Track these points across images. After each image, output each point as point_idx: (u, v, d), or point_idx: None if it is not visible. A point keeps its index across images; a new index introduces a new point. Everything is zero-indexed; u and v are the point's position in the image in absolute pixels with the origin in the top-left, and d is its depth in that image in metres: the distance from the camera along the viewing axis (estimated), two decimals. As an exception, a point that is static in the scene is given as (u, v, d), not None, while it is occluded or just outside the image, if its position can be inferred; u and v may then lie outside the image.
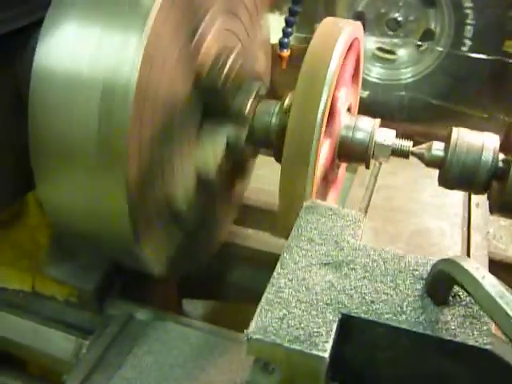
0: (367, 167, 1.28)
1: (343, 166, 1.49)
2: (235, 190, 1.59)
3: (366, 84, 3.58)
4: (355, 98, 1.44)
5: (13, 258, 1.58)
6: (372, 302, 0.78)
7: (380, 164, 1.90)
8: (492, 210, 1.21)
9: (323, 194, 1.39)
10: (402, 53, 3.85)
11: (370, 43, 3.72)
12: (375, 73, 3.78)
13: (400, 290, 0.79)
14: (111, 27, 1.01)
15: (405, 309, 0.76)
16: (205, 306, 2.21)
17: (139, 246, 1.16)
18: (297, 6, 2.11)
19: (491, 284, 0.67)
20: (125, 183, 1.03)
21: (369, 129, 1.23)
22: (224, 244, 1.80)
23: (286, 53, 2.11)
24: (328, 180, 1.34)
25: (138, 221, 1.12)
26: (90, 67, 1.01)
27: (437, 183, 1.23)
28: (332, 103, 1.15)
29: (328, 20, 1.18)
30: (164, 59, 1.06)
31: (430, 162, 1.22)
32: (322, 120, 1.05)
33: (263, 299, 0.79)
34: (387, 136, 1.25)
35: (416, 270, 0.82)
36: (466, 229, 1.60)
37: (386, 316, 0.76)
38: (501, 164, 1.16)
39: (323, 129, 1.06)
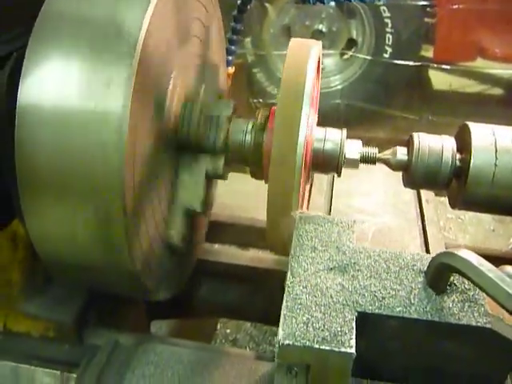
0: (339, 175, 1.37)
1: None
2: (208, 206, 1.63)
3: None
4: (316, 110, 1.52)
5: (-17, 298, 1.52)
6: (383, 298, 0.85)
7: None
8: (453, 205, 1.33)
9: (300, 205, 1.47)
10: (329, 62, 4.03)
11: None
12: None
13: (405, 285, 0.88)
14: (97, 60, 1.02)
15: (413, 301, 0.85)
16: (167, 324, 2.22)
17: (135, 267, 1.18)
18: (239, 25, 2.19)
19: (490, 270, 0.76)
20: (118, 212, 1.05)
21: (338, 140, 1.32)
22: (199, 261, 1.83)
23: (231, 70, 2.18)
24: (303, 190, 1.41)
25: (135, 249, 1.13)
26: (78, 103, 1.02)
27: (386, 184, 1.34)
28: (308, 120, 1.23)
29: (296, 41, 1.26)
30: (149, 97, 1.10)
31: (396, 166, 1.33)
32: (305, 138, 1.13)
33: (283, 307, 0.85)
34: (355, 145, 1.34)
35: (414, 264, 0.91)
36: (420, 224, 1.74)
37: (398, 309, 0.84)
38: (458, 163, 1.29)
39: (305, 147, 1.13)
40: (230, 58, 2.21)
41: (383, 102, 3.60)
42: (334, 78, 4.02)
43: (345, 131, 1.35)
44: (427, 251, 1.65)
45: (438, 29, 3.71)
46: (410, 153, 1.30)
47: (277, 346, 0.79)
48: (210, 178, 1.41)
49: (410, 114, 3.39)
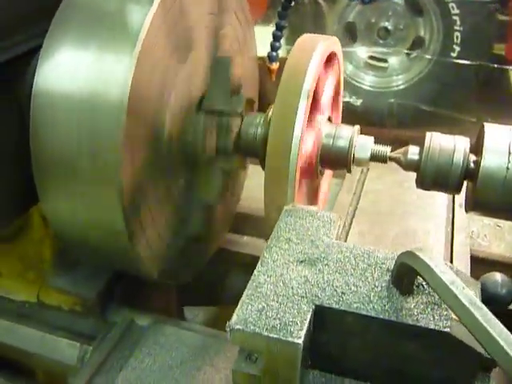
0: (349, 171, 1.36)
1: (329, 172, 1.56)
2: (230, 200, 1.67)
3: (360, 92, 3.67)
4: (337, 108, 1.52)
5: (19, 271, 1.66)
6: (343, 293, 0.85)
7: (367, 170, 1.98)
8: (466, 209, 1.28)
9: (310, 199, 1.47)
10: (393, 61, 3.93)
11: (362, 52, 3.82)
12: (368, 81, 3.85)
13: (368, 282, 0.87)
14: (104, 50, 1.10)
15: (372, 298, 0.84)
16: (205, 312, 2.28)
17: (136, 253, 1.24)
18: (283, 21, 2.20)
19: (443, 272, 0.74)
20: (119, 196, 1.11)
21: (348, 136, 1.31)
22: (220, 251, 1.88)
23: (274, 66, 2.20)
24: (313, 185, 1.42)
25: (135, 230, 1.20)
26: (84, 87, 1.10)
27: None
28: (311, 114, 1.24)
29: (304, 37, 1.27)
30: (155, 79, 1.15)
31: (407, 166, 1.30)
32: (301, 131, 1.14)
33: (244, 294, 0.87)
34: (366, 142, 1.33)
35: (384, 263, 0.90)
36: (449, 229, 1.67)
37: (355, 305, 0.83)
38: (472, 165, 1.24)
39: (302, 140, 1.14)
40: (274, 53, 2.24)
41: (442, 103, 3.46)
42: (397, 77, 3.91)
43: (357, 128, 1.34)
44: (451, 257, 1.59)
45: (511, 27, 3.50)
46: (420, 152, 1.27)
47: (228, 330, 0.82)
48: (227, 173, 1.45)
49: (469, 116, 3.23)
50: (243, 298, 0.86)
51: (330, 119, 1.38)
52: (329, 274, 0.89)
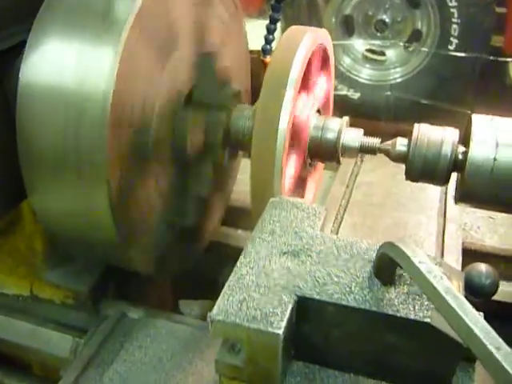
0: (338, 163, 1.35)
1: (320, 164, 1.56)
2: (221, 193, 1.67)
3: (357, 85, 3.65)
4: (327, 100, 1.51)
5: (11, 265, 1.66)
6: (324, 284, 0.85)
7: (361, 162, 1.97)
8: (455, 200, 1.28)
9: (299, 191, 1.47)
10: (391, 54, 3.92)
11: (359, 45, 3.80)
12: (365, 74, 3.83)
13: (350, 273, 0.87)
14: (88, 44, 1.09)
15: (353, 289, 0.84)
16: (200, 305, 2.28)
17: (126, 247, 1.24)
18: (277, 14, 2.19)
19: (421, 261, 0.74)
20: (105, 191, 1.11)
21: (336, 128, 1.31)
22: (215, 244, 1.88)
23: (269, 59, 2.20)
24: (302, 177, 1.41)
25: (122, 225, 1.20)
26: (70, 81, 1.09)
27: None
28: (297, 107, 1.23)
29: (291, 29, 1.26)
30: (140, 73, 1.15)
31: (396, 158, 1.30)
32: (287, 123, 1.13)
33: (226, 285, 0.87)
34: (355, 134, 1.32)
35: (366, 254, 0.90)
36: (441, 221, 1.67)
37: (336, 296, 0.83)
38: (460, 156, 1.23)
39: (288, 131, 1.14)
40: (268, 47, 2.23)
41: (440, 96, 3.44)
42: (395, 70, 3.90)
43: (346, 120, 1.34)
44: (442, 249, 1.58)
45: (509, 19, 3.48)
46: (409, 144, 1.26)
47: (208, 320, 0.82)
48: (218, 167, 1.45)
49: (465, 109, 3.21)
50: (225, 289, 0.86)
51: (319, 111, 1.37)
52: (311, 265, 0.89)
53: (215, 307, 0.84)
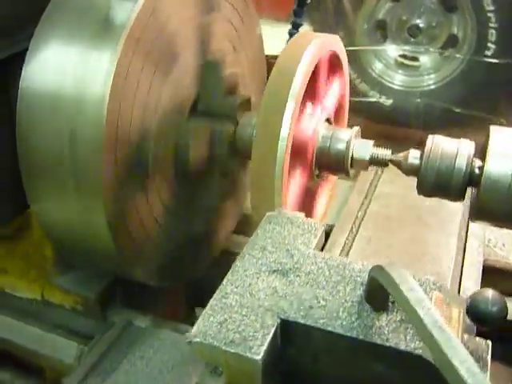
0: (347, 175, 1.30)
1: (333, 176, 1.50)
2: (233, 202, 1.64)
3: (389, 92, 3.56)
4: (341, 107, 1.45)
5: (22, 269, 1.67)
6: (310, 307, 0.80)
7: (381, 172, 1.90)
8: (471, 217, 1.20)
9: (309, 203, 1.42)
10: (425, 59, 3.80)
11: (392, 51, 3.71)
12: (398, 80, 3.74)
13: (339, 296, 0.81)
14: (87, 52, 1.08)
15: (340, 314, 0.78)
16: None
17: (124, 260, 1.22)
18: (299, 19, 2.15)
19: (410, 289, 0.68)
20: (102, 203, 1.09)
21: (346, 139, 1.26)
22: (227, 253, 1.84)
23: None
24: (311, 189, 1.36)
25: (121, 240, 1.18)
26: (68, 89, 1.08)
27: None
28: (301, 117, 1.18)
29: (298, 35, 1.22)
30: (137, 87, 1.12)
31: (408, 171, 1.23)
32: (288, 134, 1.08)
33: (208, 305, 0.83)
34: (365, 145, 1.26)
35: (359, 276, 0.84)
36: (463, 237, 1.58)
37: (322, 321, 0.78)
38: (477, 170, 1.16)
39: (289, 143, 1.09)
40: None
41: (473, 104, 3.31)
42: (429, 76, 3.78)
43: (356, 130, 1.28)
44: (461, 267, 1.50)
45: (551, 23, 3.31)
46: (421, 156, 1.19)
47: (187, 342, 0.78)
48: (226, 175, 1.42)
49: (497, 117, 3.08)
50: (206, 308, 0.83)
51: (329, 121, 1.32)
52: (299, 285, 0.84)
53: (194, 327, 0.80)
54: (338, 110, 1.43)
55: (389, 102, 3.66)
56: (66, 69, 1.08)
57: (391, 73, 3.69)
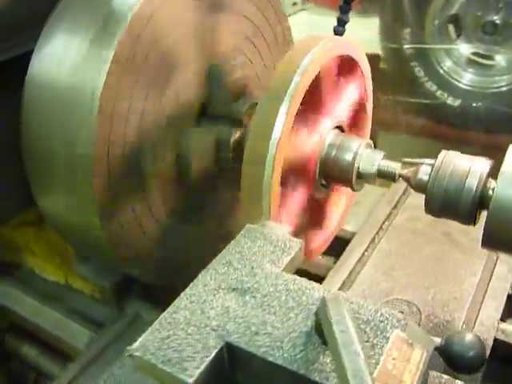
0: (353, 189, 1.22)
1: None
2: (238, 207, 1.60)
3: (457, 91, 3.35)
4: (361, 115, 1.37)
5: (48, 254, 1.75)
6: (256, 333, 0.76)
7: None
8: (481, 244, 1.09)
9: (318, 213, 1.36)
10: (500, 58, 3.54)
11: (464, 48, 3.50)
12: (467, 79, 3.51)
13: (289, 324, 0.76)
14: (86, 45, 1.09)
15: (285, 344, 0.74)
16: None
17: (122, 260, 1.23)
18: (345, 16, 2.06)
19: (342, 330, 0.62)
20: (94, 201, 1.10)
21: (354, 148, 1.18)
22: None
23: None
24: (318, 200, 1.30)
25: (116, 239, 1.18)
26: (70, 79, 1.10)
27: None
28: (308, 120, 1.13)
29: (305, 37, 1.15)
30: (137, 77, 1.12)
31: (416, 187, 1.14)
32: (280, 137, 1.03)
33: (158, 318, 0.81)
34: (372, 156, 1.18)
35: (315, 304, 0.78)
36: (490, 259, 1.46)
37: (264, 349, 0.74)
38: (490, 192, 1.05)
39: (281, 146, 1.04)
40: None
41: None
42: (501, 78, 3.52)
43: (367, 141, 1.20)
44: (484, 293, 1.38)
45: None
46: (430, 173, 1.10)
47: (127, 355, 0.77)
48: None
49: None
50: (155, 322, 0.81)
51: (340, 128, 1.25)
52: (252, 308, 0.80)
53: (138, 340, 0.79)
54: (357, 117, 1.35)
55: (457, 102, 3.46)
56: (67, 62, 1.10)
57: (461, 71, 3.48)
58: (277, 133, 1.03)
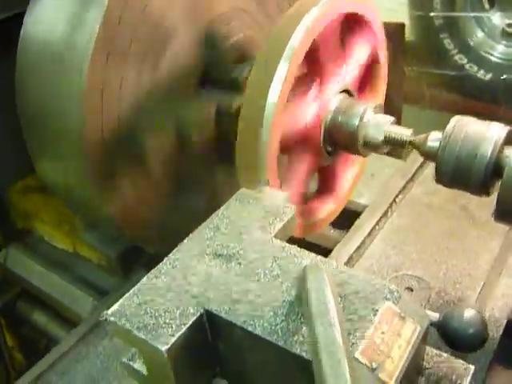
0: (360, 155, 1.16)
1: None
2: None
3: (489, 65, 3.20)
4: (373, 78, 1.29)
5: (56, 222, 1.74)
6: (238, 301, 0.71)
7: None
8: (493, 216, 1.02)
9: (326, 179, 1.30)
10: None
11: (497, 18, 3.33)
12: (499, 52, 3.34)
13: (272, 293, 0.71)
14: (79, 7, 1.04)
15: (266, 313, 0.69)
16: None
17: (120, 228, 1.20)
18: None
19: (320, 299, 0.57)
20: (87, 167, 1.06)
21: (360, 113, 1.11)
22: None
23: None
24: (328, 165, 1.24)
25: (114, 207, 1.15)
26: (61, 40, 1.05)
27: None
28: (312, 82, 1.06)
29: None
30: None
31: (426, 155, 1.07)
32: (279, 96, 0.97)
33: (138, 283, 0.78)
34: (381, 122, 1.11)
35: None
36: (509, 242, 1.37)
37: (243, 319, 0.69)
38: (506, 160, 0.97)
39: (278, 108, 0.97)
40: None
41: None
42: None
43: (376, 105, 1.13)
44: (500, 272, 1.30)
45: None
46: (441, 140, 1.02)
47: (101, 319, 0.74)
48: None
49: None
50: (135, 287, 0.77)
51: (348, 92, 1.17)
52: (236, 275, 0.75)
53: (115, 305, 0.75)
54: (368, 79, 1.27)
55: (488, 76, 3.31)
56: (58, 22, 1.05)
57: (494, 44, 3.31)
58: (274, 91, 0.97)
